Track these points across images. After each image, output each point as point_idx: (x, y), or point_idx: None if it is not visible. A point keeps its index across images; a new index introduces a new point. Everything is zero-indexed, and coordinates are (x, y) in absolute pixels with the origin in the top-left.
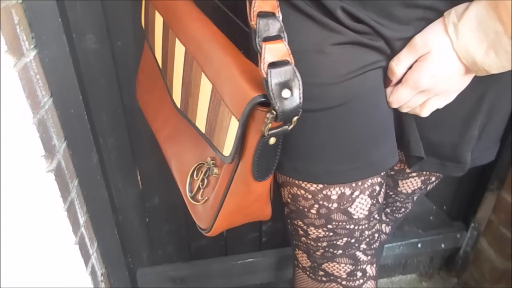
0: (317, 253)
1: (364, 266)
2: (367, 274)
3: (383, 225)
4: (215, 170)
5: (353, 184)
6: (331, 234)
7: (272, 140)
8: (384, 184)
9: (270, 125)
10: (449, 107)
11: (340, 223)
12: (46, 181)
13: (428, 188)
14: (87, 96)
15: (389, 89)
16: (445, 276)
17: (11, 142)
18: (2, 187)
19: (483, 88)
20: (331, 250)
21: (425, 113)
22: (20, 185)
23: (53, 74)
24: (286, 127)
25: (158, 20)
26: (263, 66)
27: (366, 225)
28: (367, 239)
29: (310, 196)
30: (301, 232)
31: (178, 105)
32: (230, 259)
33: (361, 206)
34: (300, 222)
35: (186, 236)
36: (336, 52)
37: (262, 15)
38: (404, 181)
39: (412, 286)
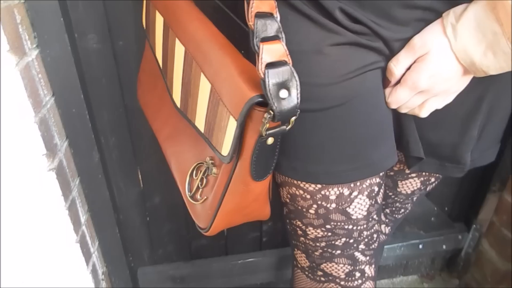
0: (316, 253)
1: (363, 267)
2: (366, 275)
3: (383, 226)
4: (214, 170)
5: (352, 185)
6: (329, 234)
7: (270, 140)
8: (383, 184)
9: (267, 125)
10: (449, 108)
11: (339, 223)
12: (47, 180)
13: (428, 189)
14: (89, 95)
15: (388, 90)
16: (446, 278)
17: (12, 140)
18: (4, 185)
19: (483, 88)
20: (329, 250)
21: (424, 113)
22: (22, 184)
23: (55, 73)
24: (284, 127)
25: (159, 20)
26: (261, 66)
27: (365, 226)
28: (366, 240)
29: (308, 196)
30: (299, 232)
31: (178, 104)
32: (231, 258)
33: (359, 207)
34: (299, 222)
35: (187, 235)
36: (334, 52)
37: (260, 15)
38: (403, 182)
39: (413, 287)
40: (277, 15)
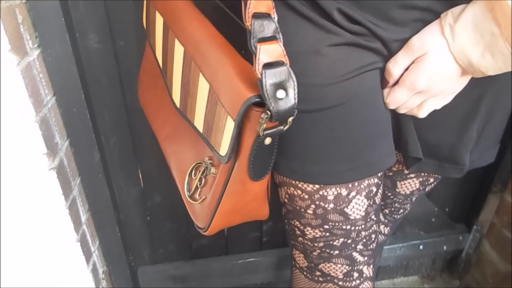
0: (314, 253)
1: (361, 267)
2: (364, 275)
3: (382, 226)
4: (213, 170)
5: (350, 185)
6: (327, 234)
7: (268, 140)
8: (381, 185)
9: (265, 125)
10: (447, 108)
11: (337, 224)
12: (48, 179)
13: (427, 189)
14: (90, 95)
15: (386, 90)
16: (447, 278)
17: (13, 139)
18: (4, 185)
19: (482, 89)
20: (327, 250)
21: (422, 114)
22: (22, 183)
23: (56, 73)
24: (282, 127)
25: (159, 21)
26: (258, 66)
27: (363, 226)
28: (364, 240)
29: (306, 197)
30: (298, 232)
31: (178, 104)
32: (231, 258)
33: (357, 207)
34: (297, 222)
35: (187, 235)
36: (332, 53)
37: (257, 16)
38: (402, 182)
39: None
40: (275, 16)
